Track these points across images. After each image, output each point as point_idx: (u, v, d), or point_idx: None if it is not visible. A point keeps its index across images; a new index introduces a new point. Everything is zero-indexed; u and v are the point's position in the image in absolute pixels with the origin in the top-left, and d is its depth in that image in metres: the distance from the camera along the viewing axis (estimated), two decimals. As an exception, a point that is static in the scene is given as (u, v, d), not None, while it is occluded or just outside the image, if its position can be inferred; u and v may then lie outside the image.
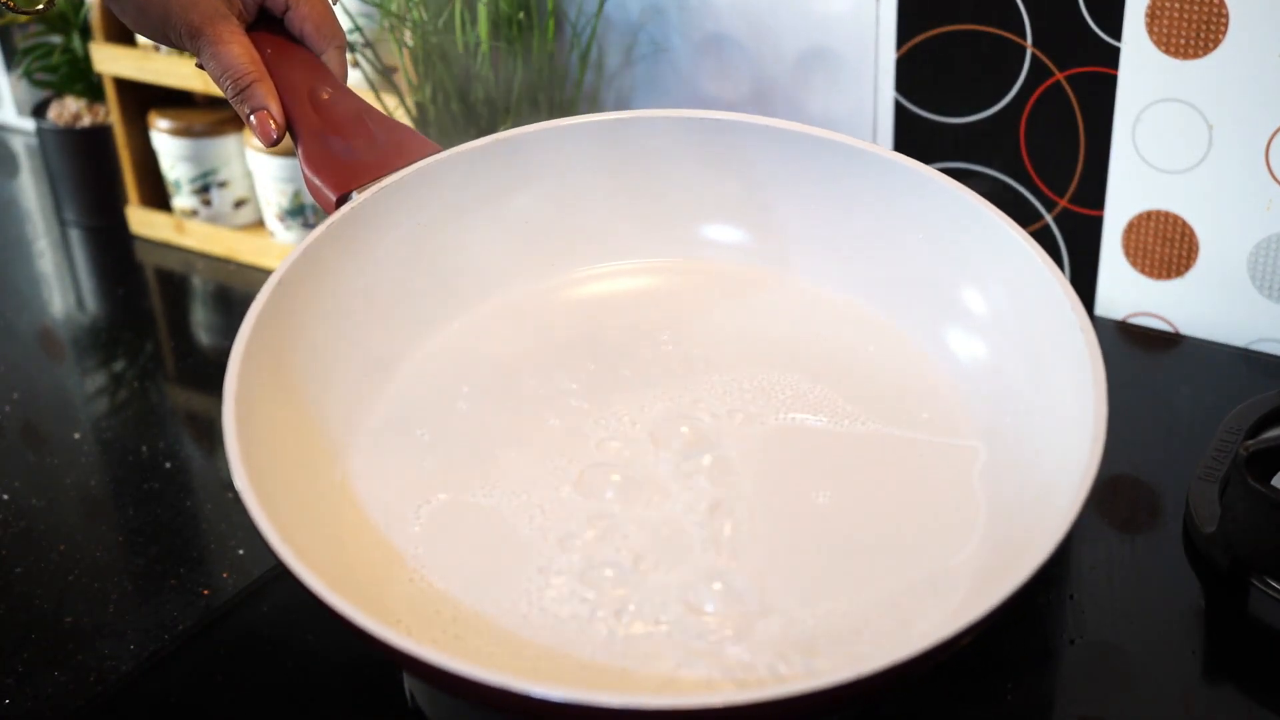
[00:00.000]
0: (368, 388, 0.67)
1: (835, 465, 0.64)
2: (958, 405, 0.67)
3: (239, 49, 0.67)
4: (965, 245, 0.67)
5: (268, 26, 0.70)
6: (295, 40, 0.70)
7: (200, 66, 0.68)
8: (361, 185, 0.67)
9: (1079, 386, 0.59)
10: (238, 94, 0.67)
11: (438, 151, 0.69)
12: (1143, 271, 0.95)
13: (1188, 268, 0.93)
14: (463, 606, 0.59)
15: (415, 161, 0.68)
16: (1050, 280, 0.63)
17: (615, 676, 0.56)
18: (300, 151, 0.67)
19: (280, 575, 0.73)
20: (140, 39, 1.19)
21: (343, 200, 0.67)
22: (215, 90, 1.16)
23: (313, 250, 0.65)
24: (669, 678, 0.56)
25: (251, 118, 0.67)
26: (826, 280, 0.72)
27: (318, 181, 0.67)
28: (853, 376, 0.68)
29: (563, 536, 0.61)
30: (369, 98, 1.06)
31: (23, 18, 1.25)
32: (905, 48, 0.97)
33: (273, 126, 0.67)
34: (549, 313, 0.72)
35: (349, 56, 1.08)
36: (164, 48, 1.17)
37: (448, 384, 0.68)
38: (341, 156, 0.67)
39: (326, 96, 0.68)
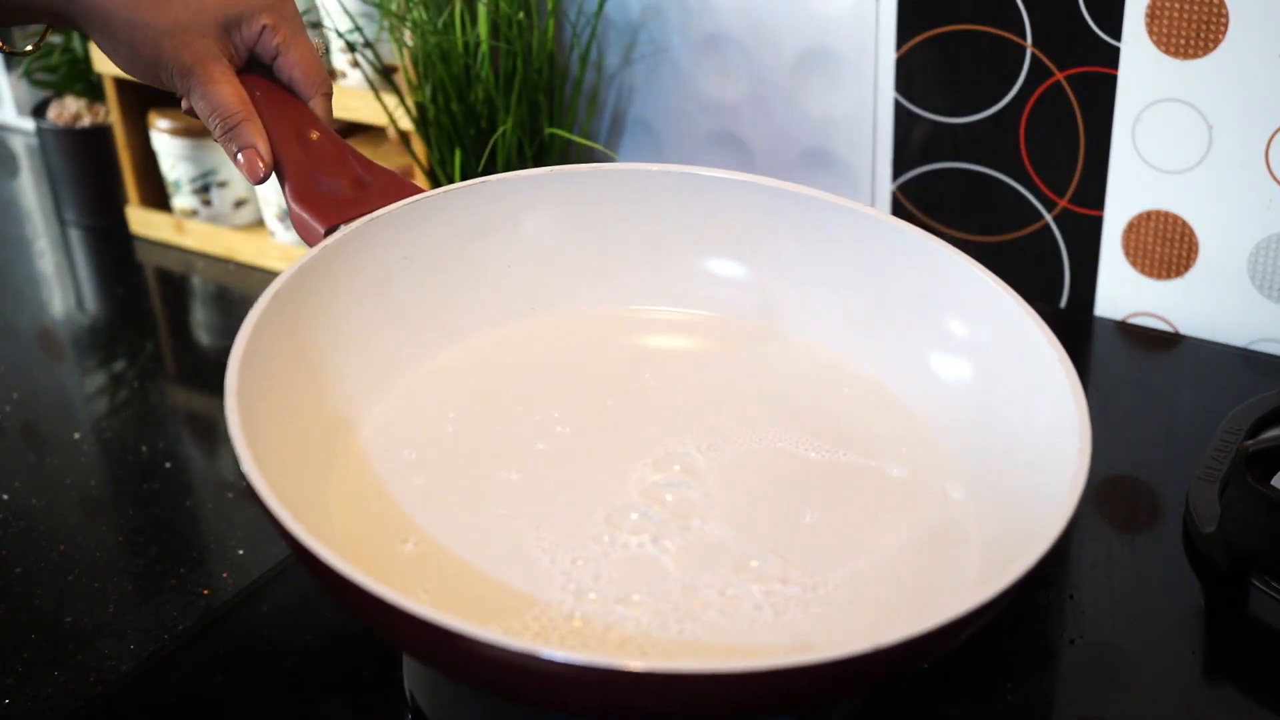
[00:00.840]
0: (359, 405, 0.68)
1: (819, 488, 0.66)
2: (939, 438, 0.68)
3: (228, 89, 0.68)
4: (935, 289, 0.70)
5: (257, 72, 0.71)
6: (284, 87, 0.72)
7: (189, 112, 0.70)
8: (347, 220, 0.68)
9: (1060, 407, 0.61)
10: (226, 132, 0.68)
11: (423, 192, 0.71)
12: (1143, 271, 0.95)
13: (1188, 268, 0.93)
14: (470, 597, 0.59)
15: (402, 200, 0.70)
16: (1018, 311, 0.65)
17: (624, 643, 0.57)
18: (287, 188, 0.69)
19: (280, 575, 0.73)
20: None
21: (330, 233, 0.68)
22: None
23: (307, 269, 0.66)
24: (680, 645, 0.57)
25: (239, 155, 0.68)
26: (804, 327, 0.74)
27: (305, 215, 0.68)
28: (831, 414, 0.70)
29: (561, 548, 0.62)
30: (369, 98, 1.06)
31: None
32: (905, 48, 0.97)
33: (260, 165, 0.68)
34: (531, 348, 0.73)
35: (349, 56, 1.08)
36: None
37: (434, 409, 0.69)
38: (328, 193, 0.69)
39: (314, 138, 0.70)
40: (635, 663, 0.47)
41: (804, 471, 0.66)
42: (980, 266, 0.68)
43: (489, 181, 0.72)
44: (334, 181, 0.69)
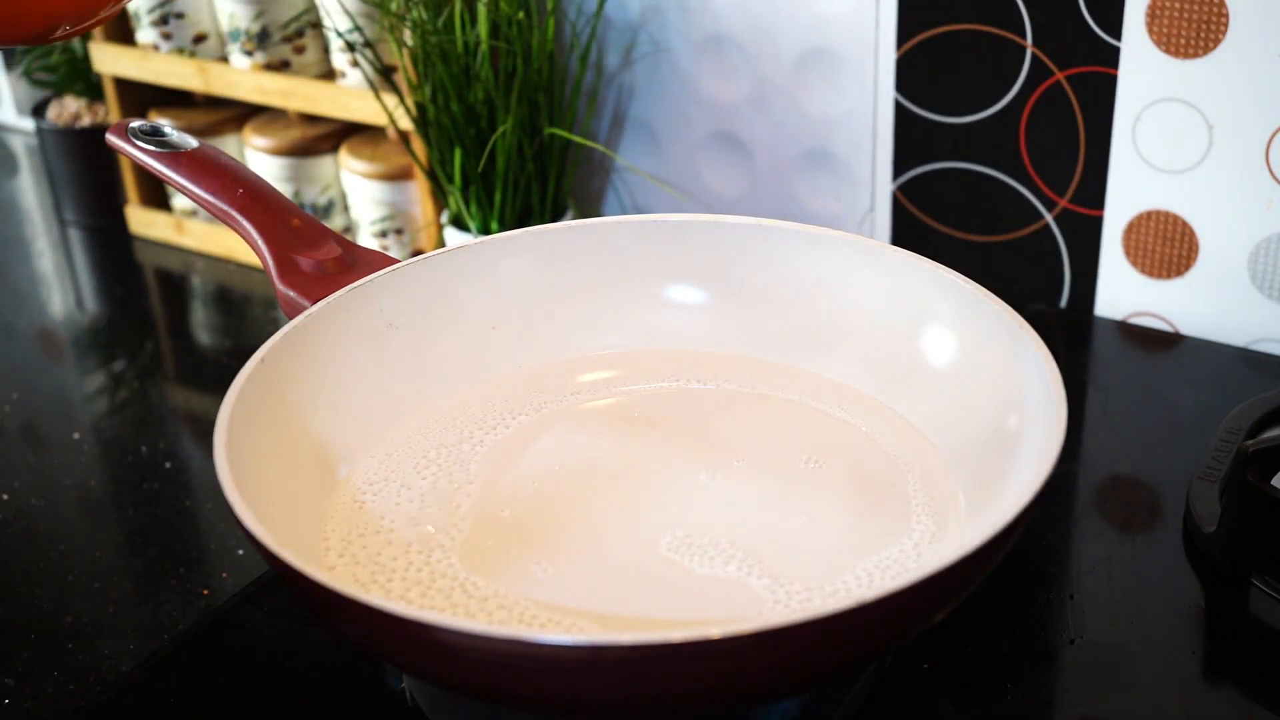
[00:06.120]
0: (350, 457, 0.69)
1: (811, 495, 0.66)
2: (913, 435, 0.69)
3: None
4: (893, 292, 0.72)
5: (245, 174, 0.74)
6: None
7: None
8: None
9: (1036, 373, 0.63)
10: None
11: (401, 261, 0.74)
12: (1143, 271, 0.95)
13: (1188, 268, 0.93)
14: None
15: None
16: (974, 293, 0.68)
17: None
18: (273, 271, 0.72)
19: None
20: (140, 38, 1.18)
21: None
22: (215, 90, 1.16)
23: (292, 334, 0.68)
24: (674, 620, 0.58)
25: None
26: (780, 351, 0.76)
27: (292, 294, 0.71)
28: (819, 427, 0.71)
29: (559, 567, 0.62)
30: (369, 98, 1.06)
31: None
32: (905, 48, 0.97)
33: None
34: (517, 400, 0.74)
35: (349, 56, 1.08)
36: (164, 46, 1.17)
37: (426, 459, 0.70)
38: (313, 272, 0.72)
39: (296, 224, 0.73)
40: (626, 636, 0.47)
41: (800, 483, 0.67)
42: (928, 261, 0.70)
43: (467, 247, 0.75)
44: (317, 261, 0.72)
